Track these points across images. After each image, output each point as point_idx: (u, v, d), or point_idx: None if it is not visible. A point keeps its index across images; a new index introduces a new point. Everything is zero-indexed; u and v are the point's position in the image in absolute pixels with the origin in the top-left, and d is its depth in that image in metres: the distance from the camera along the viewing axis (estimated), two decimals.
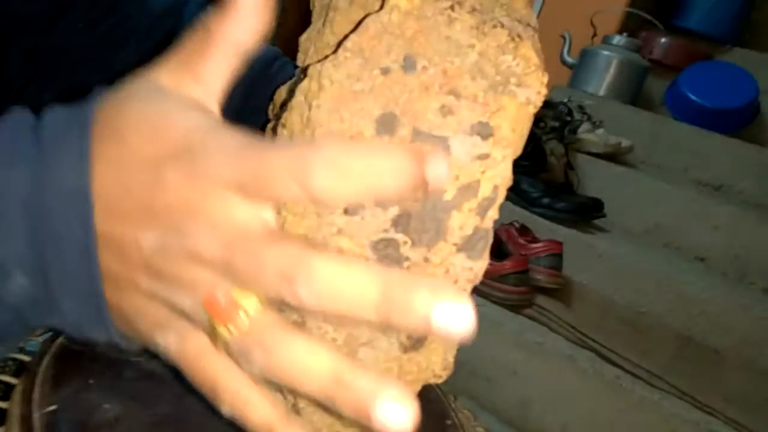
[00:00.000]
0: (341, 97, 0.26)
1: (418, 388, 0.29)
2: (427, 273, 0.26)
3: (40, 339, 0.40)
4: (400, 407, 0.20)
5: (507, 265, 1.16)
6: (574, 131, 1.50)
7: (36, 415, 0.32)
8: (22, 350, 0.41)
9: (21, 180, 0.23)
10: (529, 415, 1.08)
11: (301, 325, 0.26)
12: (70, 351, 0.37)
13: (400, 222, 0.26)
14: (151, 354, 0.39)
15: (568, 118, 1.47)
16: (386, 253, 0.26)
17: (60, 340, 0.38)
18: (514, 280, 1.16)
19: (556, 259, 1.22)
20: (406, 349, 0.28)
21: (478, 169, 0.26)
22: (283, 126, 0.28)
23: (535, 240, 1.25)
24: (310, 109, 0.26)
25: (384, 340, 0.27)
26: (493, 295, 1.16)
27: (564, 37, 1.90)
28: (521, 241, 1.23)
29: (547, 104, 1.45)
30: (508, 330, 1.12)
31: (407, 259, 0.26)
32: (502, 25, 0.28)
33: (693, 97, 1.74)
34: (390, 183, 0.20)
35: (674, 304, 1.23)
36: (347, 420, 0.26)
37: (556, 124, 1.40)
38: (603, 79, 1.77)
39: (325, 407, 0.23)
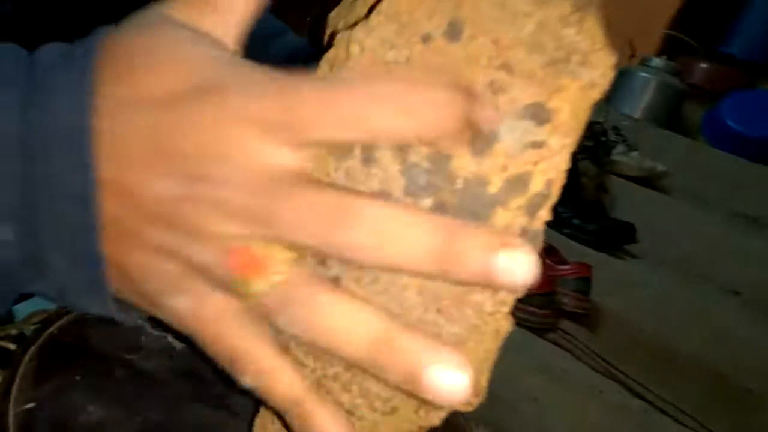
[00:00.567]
0: (372, 67, 0.22)
1: (446, 414, 0.25)
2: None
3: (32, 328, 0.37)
4: (455, 373, 0.19)
5: (532, 286, 1.11)
6: (608, 152, 1.45)
7: (11, 413, 0.29)
8: (10, 338, 0.38)
9: (8, 114, 0.19)
10: None
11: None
12: (59, 343, 0.33)
13: (434, 215, 0.22)
14: (147, 353, 0.36)
15: (603, 139, 1.42)
16: None
17: (51, 329, 0.34)
18: (539, 301, 1.10)
19: (584, 282, 1.17)
20: None
21: (530, 159, 0.22)
22: None
23: (563, 262, 1.20)
24: None
25: None
26: (517, 316, 1.10)
27: None
28: (548, 261, 1.18)
29: None
30: (530, 354, 1.07)
31: None
32: None
33: (732, 125, 1.68)
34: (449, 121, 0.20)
35: (707, 339, 1.17)
36: (378, 398, 0.23)
37: (590, 143, 1.36)
38: (640, 101, 1.72)
39: (361, 376, 0.22)
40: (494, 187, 0.22)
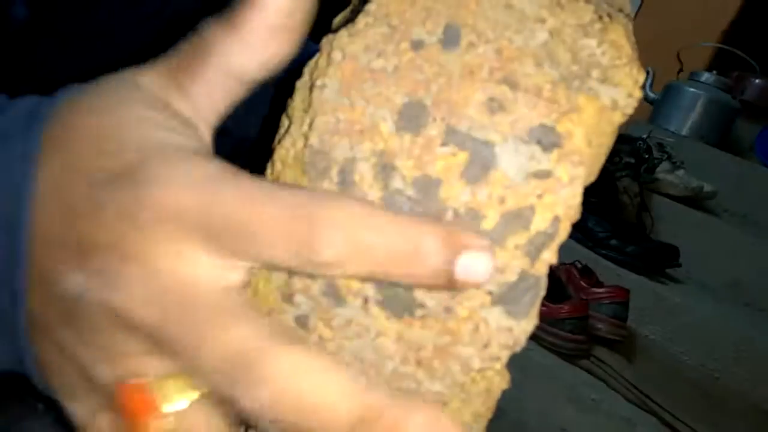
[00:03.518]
0: (355, 75, 0.19)
1: None
2: (448, 329, 0.19)
3: None
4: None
5: (565, 308, 1.06)
6: (651, 170, 1.38)
7: None
8: None
9: None
10: None
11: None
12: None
13: None
14: None
15: (646, 156, 1.36)
16: (394, 293, 0.19)
17: None
18: (572, 326, 1.05)
19: (620, 307, 1.11)
20: None
21: (533, 190, 0.19)
22: (287, 116, 0.21)
23: (599, 284, 1.14)
24: (312, 90, 0.19)
25: None
26: (546, 340, 1.06)
27: (648, 71, 1.78)
28: (583, 283, 1.12)
29: (624, 138, 1.34)
30: (560, 382, 1.01)
31: (422, 306, 0.19)
32: (588, 0, 0.20)
33: None
34: (410, 271, 0.17)
35: (753, 373, 1.09)
36: None
37: (632, 160, 1.29)
38: (687, 117, 1.64)
39: None
40: (489, 223, 0.19)
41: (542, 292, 0.20)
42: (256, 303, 0.19)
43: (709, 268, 1.34)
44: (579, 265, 1.17)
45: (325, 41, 0.21)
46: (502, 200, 0.19)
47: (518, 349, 0.20)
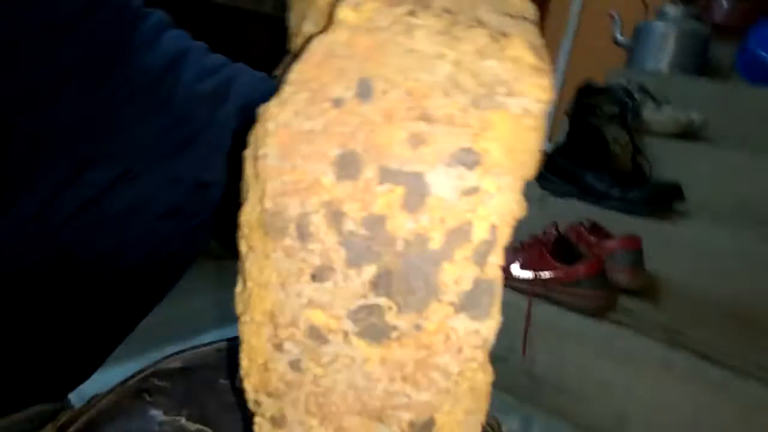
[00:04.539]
0: (291, 140, 0.22)
1: None
2: (423, 344, 0.21)
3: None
4: None
5: (581, 269, 1.07)
6: (637, 114, 1.39)
7: None
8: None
9: None
10: (629, 431, 0.99)
11: (281, 420, 0.22)
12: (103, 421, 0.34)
13: (380, 283, 0.21)
14: None
15: (629, 101, 1.37)
16: (369, 323, 0.21)
17: (103, 401, 0.35)
18: (590, 284, 1.06)
19: (635, 255, 1.12)
20: None
21: (467, 206, 0.21)
22: (245, 183, 0.24)
23: (609, 237, 1.15)
24: (256, 159, 0.22)
25: (384, 428, 0.22)
26: (570, 302, 1.07)
27: (613, 17, 1.79)
28: (593, 240, 1.14)
29: (604, 89, 1.35)
30: (591, 339, 1.03)
31: (395, 328, 0.21)
32: (481, 24, 0.22)
33: (766, 55, 1.58)
34: None
35: None
36: None
37: (616, 109, 1.30)
38: (662, 53, 1.64)
39: None
40: (436, 243, 0.21)
41: (499, 292, 0.22)
42: (253, 356, 0.22)
43: (714, 195, 1.35)
44: (586, 224, 1.18)
45: (260, 111, 0.23)
46: (442, 221, 0.21)
47: (490, 346, 0.22)
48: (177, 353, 0.39)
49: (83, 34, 0.47)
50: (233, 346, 0.33)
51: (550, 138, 2.00)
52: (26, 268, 0.50)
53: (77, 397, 0.59)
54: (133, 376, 0.36)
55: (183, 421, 0.35)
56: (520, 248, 1.12)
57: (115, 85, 0.50)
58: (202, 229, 0.58)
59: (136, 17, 0.49)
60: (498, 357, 1.15)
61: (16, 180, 0.49)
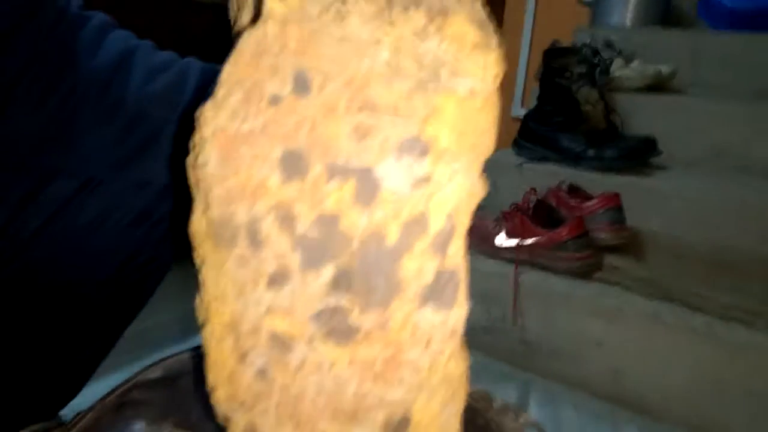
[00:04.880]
0: (230, 144, 0.21)
1: None
2: (390, 341, 0.21)
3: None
4: None
5: (563, 232, 1.07)
6: (605, 71, 1.38)
7: None
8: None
9: None
10: (624, 384, 1.00)
11: (252, 427, 0.21)
12: None
13: (340, 283, 0.21)
14: None
15: (596, 59, 1.36)
16: (333, 325, 0.21)
17: (84, 420, 0.35)
18: (575, 245, 1.07)
19: (615, 212, 1.13)
20: None
21: (420, 197, 0.20)
22: (192, 191, 0.23)
23: (589, 197, 1.16)
24: (196, 168, 0.21)
25: (359, 429, 0.21)
26: (556, 266, 1.08)
27: None
28: (573, 202, 1.14)
29: (570, 50, 1.35)
30: (580, 300, 1.04)
31: (359, 329, 0.21)
32: (417, 5, 0.21)
33: (727, 2, 1.58)
34: None
35: (760, 231, 1.11)
36: None
37: (583, 69, 1.30)
38: (625, 7, 1.64)
39: None
40: (392, 238, 0.20)
41: (463, 279, 0.21)
42: (217, 370, 0.21)
43: (690, 145, 1.36)
44: (564, 186, 1.18)
45: (197, 114, 0.22)
46: (396, 214, 0.20)
47: (459, 335, 0.21)
48: (157, 362, 0.38)
49: (24, 42, 0.45)
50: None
51: (523, 103, 1.99)
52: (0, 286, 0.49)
53: (71, 412, 0.59)
54: (113, 391, 0.36)
55: (167, 431, 0.35)
56: (502, 218, 1.12)
57: (64, 93, 0.48)
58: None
59: (76, 21, 0.48)
60: (491, 328, 1.16)
61: None
